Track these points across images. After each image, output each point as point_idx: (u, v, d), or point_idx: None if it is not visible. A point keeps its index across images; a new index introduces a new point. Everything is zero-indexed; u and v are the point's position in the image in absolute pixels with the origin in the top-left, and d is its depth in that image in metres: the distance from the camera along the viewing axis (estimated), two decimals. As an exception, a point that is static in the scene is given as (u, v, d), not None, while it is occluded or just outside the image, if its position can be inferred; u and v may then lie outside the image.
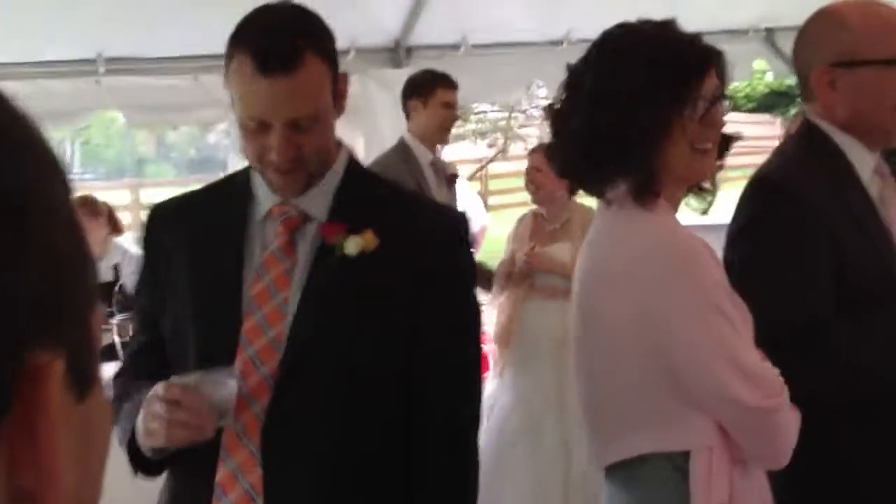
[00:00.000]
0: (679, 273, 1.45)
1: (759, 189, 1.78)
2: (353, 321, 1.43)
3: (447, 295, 1.47)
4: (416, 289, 1.44)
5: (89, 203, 4.38)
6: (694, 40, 1.53)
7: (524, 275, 3.86)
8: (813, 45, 1.82)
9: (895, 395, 1.72)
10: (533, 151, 4.08)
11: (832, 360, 1.68)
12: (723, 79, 1.55)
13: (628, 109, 1.45)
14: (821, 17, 1.82)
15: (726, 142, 1.60)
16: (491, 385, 4.06)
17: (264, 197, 1.49)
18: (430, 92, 3.73)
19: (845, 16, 1.77)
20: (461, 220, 1.58)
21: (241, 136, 1.42)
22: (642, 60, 1.47)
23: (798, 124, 1.90)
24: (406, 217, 1.51)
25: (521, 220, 4.15)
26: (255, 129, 1.39)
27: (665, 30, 1.53)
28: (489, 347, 4.17)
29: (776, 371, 1.47)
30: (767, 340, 1.51)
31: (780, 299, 1.62)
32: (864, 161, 1.79)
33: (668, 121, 1.46)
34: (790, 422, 1.48)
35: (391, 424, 1.46)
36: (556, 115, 1.60)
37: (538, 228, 3.99)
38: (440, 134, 3.80)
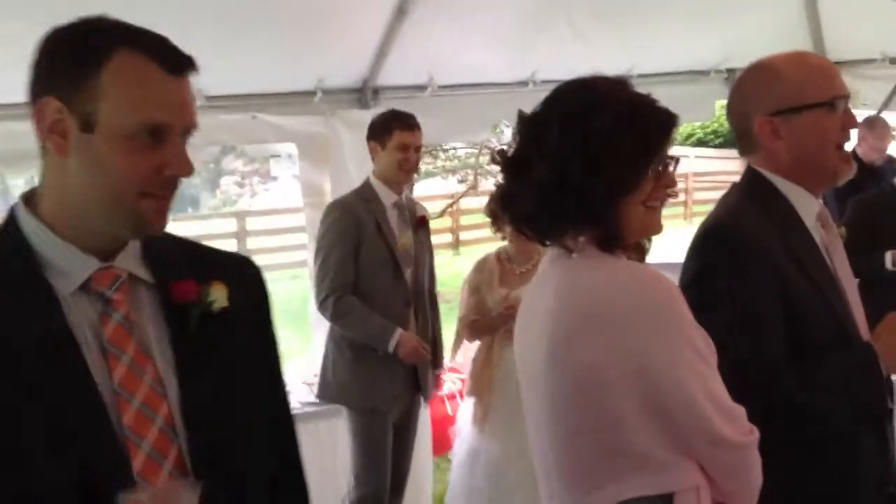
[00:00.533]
0: (658, 312, 1.46)
1: (709, 238, 1.82)
2: (236, 384, 1.30)
3: (273, 338, 1.43)
4: (259, 336, 1.38)
5: None
6: (654, 101, 1.57)
7: (503, 321, 3.82)
8: (750, 97, 1.89)
9: (842, 437, 1.75)
10: None
11: (784, 404, 1.71)
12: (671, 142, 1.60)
13: (598, 165, 1.48)
14: (754, 71, 1.90)
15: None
16: (470, 437, 4.00)
17: (69, 262, 1.21)
18: (387, 134, 3.74)
19: (778, 67, 1.86)
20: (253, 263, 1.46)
21: (120, 151, 1.16)
22: (612, 117, 1.49)
23: (745, 173, 1.95)
24: (218, 266, 1.36)
25: (482, 266, 4.07)
26: (146, 142, 1.17)
27: (625, 88, 1.57)
28: (464, 399, 4.14)
29: (743, 409, 1.50)
30: (726, 384, 1.53)
31: (735, 346, 1.65)
32: (809, 207, 1.86)
33: (636, 178, 1.50)
34: (759, 459, 1.52)
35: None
36: (513, 164, 1.60)
37: (506, 272, 3.97)
38: (399, 175, 3.78)
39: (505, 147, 1.63)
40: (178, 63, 1.20)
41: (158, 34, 1.23)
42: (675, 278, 1.71)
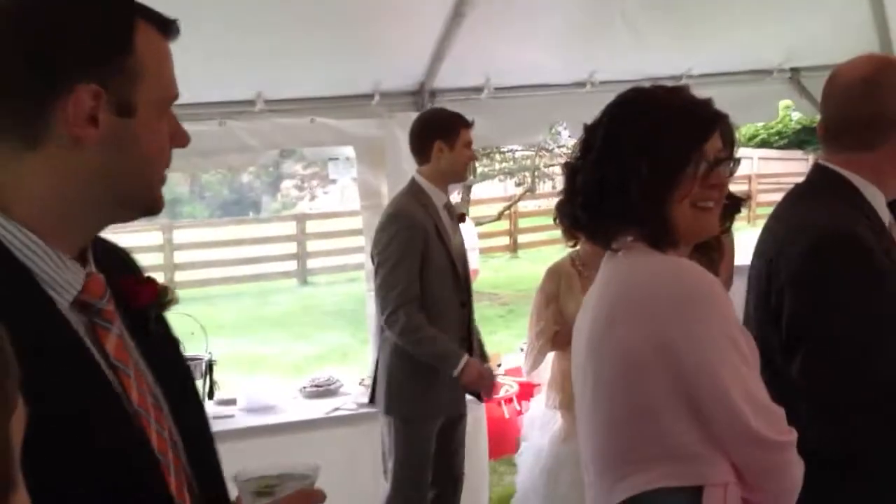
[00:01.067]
0: (698, 303, 1.47)
1: (829, 247, 1.78)
2: (189, 387, 1.23)
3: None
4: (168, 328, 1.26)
5: None
6: (702, 104, 1.59)
7: None
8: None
9: None
10: None
11: None
12: (731, 142, 1.60)
13: (630, 166, 1.53)
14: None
15: (736, 203, 1.68)
16: (544, 450, 3.92)
17: (60, 271, 1.05)
18: (454, 134, 3.74)
19: None
20: None
21: (154, 132, 1.09)
22: (648, 121, 1.55)
23: (816, 172, 1.92)
24: (122, 256, 1.24)
25: (556, 273, 3.93)
26: (163, 114, 1.11)
27: (675, 94, 1.61)
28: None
29: (783, 410, 1.49)
30: (850, 396, 1.56)
31: (868, 359, 1.65)
32: (885, 212, 1.85)
33: (670, 178, 1.53)
34: (798, 463, 1.49)
35: None
36: (568, 171, 1.69)
37: (585, 279, 3.75)
38: (465, 174, 3.86)
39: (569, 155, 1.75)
40: (172, 29, 1.11)
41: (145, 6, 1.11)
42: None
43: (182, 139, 1.13)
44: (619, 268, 1.62)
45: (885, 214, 1.86)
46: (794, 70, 5.21)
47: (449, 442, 3.86)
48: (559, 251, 5.21)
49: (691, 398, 1.45)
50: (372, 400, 3.93)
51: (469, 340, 3.82)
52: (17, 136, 1.02)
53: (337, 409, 4.29)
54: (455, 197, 4.01)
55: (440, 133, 3.74)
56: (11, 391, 0.39)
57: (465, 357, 3.64)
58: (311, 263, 15.65)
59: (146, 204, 1.12)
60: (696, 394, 1.44)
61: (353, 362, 8.60)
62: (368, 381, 4.38)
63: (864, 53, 2.00)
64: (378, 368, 3.86)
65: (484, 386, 3.72)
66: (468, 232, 7.75)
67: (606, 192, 1.56)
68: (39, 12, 1.01)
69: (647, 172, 1.52)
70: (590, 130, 1.64)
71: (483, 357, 4.01)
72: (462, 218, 3.96)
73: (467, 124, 3.77)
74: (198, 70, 4.12)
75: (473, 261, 7.81)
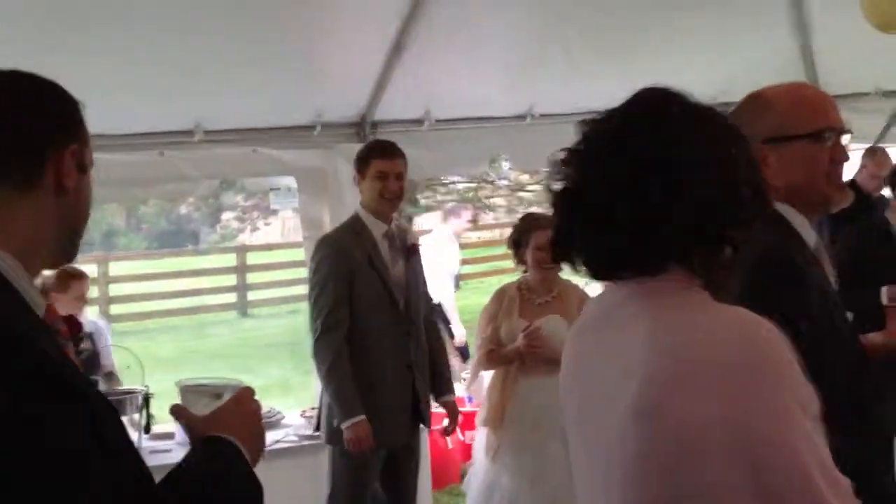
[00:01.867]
0: (771, 370, 1.27)
1: (768, 269, 1.75)
2: None
3: None
4: None
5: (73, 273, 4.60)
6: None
7: (520, 355, 3.81)
8: (743, 126, 1.91)
9: None
10: (539, 229, 3.88)
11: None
12: None
13: (695, 185, 1.32)
14: (748, 100, 1.93)
15: None
16: (483, 469, 3.95)
17: (36, 298, 1.30)
18: (365, 164, 3.74)
19: (770, 97, 1.90)
20: None
21: (89, 184, 1.37)
22: (703, 132, 1.35)
23: None
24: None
25: (501, 295, 4.04)
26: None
27: (696, 104, 1.41)
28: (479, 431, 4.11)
29: (848, 481, 1.32)
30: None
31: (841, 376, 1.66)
32: (809, 235, 1.87)
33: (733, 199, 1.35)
34: None
35: None
36: (570, 197, 1.40)
37: (525, 302, 3.95)
38: (381, 204, 3.75)
39: (551, 181, 1.44)
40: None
41: None
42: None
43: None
44: (667, 313, 1.34)
45: (810, 238, 1.88)
46: (726, 104, 5.31)
47: (395, 474, 3.85)
48: (500, 281, 5.26)
49: (768, 484, 1.25)
50: (318, 428, 3.91)
51: (410, 368, 3.80)
52: (13, 184, 1.28)
53: (277, 441, 4.23)
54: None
55: (356, 165, 3.79)
56: None
57: (361, 417, 3.60)
58: (252, 295, 15.47)
59: (73, 251, 1.36)
60: (775, 480, 1.25)
61: (295, 394, 8.50)
62: (310, 413, 4.35)
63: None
64: (322, 398, 3.84)
65: (359, 452, 3.62)
66: (450, 256, 7.76)
67: (654, 220, 1.31)
68: (16, 92, 1.32)
69: (714, 194, 1.31)
70: (600, 144, 1.38)
71: (449, 388, 4.03)
72: (413, 248, 3.93)
73: (381, 154, 3.74)
74: (136, 100, 4.10)
75: (449, 284, 7.90)
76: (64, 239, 1.33)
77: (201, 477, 1.28)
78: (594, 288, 4.63)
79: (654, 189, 1.30)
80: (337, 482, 3.76)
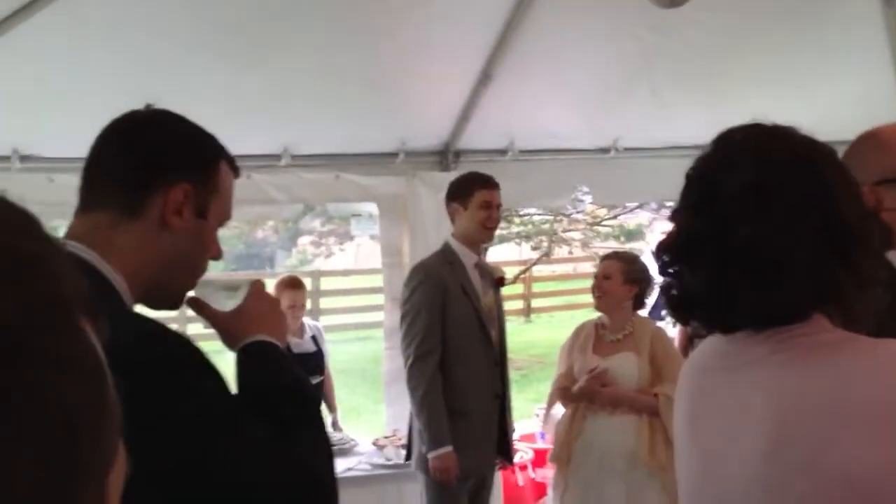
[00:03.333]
0: None
1: None
2: None
3: None
4: None
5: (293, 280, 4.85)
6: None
7: (586, 396, 3.76)
8: (855, 167, 1.84)
9: None
10: (604, 258, 4.01)
11: None
12: None
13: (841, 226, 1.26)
14: (862, 141, 1.87)
15: None
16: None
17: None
18: (468, 194, 3.75)
19: (882, 136, 1.84)
20: None
21: (212, 236, 1.41)
22: (832, 168, 1.29)
23: None
24: None
25: (579, 331, 4.01)
26: (218, 228, 1.44)
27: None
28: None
29: None
30: None
31: None
32: None
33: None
34: None
35: None
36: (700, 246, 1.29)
37: (599, 339, 3.90)
38: (483, 233, 3.80)
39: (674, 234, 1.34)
40: (237, 172, 1.46)
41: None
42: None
43: (218, 252, 1.43)
44: (809, 356, 1.24)
45: None
46: (819, 142, 5.22)
47: (476, 502, 3.83)
48: (572, 316, 5.18)
49: None
50: (408, 458, 3.90)
51: (503, 399, 3.81)
52: (120, 209, 1.33)
53: (350, 469, 4.22)
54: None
55: (455, 195, 3.80)
56: (110, 441, 0.36)
57: (448, 449, 3.59)
58: (325, 320, 15.63)
59: (176, 299, 1.41)
60: None
61: (366, 422, 8.51)
62: (383, 442, 4.33)
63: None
64: (411, 425, 3.83)
65: (445, 481, 3.60)
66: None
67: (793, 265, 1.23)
68: (154, 126, 1.39)
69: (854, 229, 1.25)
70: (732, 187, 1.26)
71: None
72: (501, 282, 3.95)
73: (485, 185, 3.76)
74: (227, 123, 4.18)
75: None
76: (161, 276, 1.34)
77: (285, 393, 1.36)
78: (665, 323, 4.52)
79: (814, 233, 1.22)
80: None
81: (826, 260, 1.22)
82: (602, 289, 3.81)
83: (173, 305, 1.41)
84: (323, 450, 1.34)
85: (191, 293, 1.44)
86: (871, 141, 1.84)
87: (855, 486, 1.16)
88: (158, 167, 1.35)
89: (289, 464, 1.24)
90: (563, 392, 3.90)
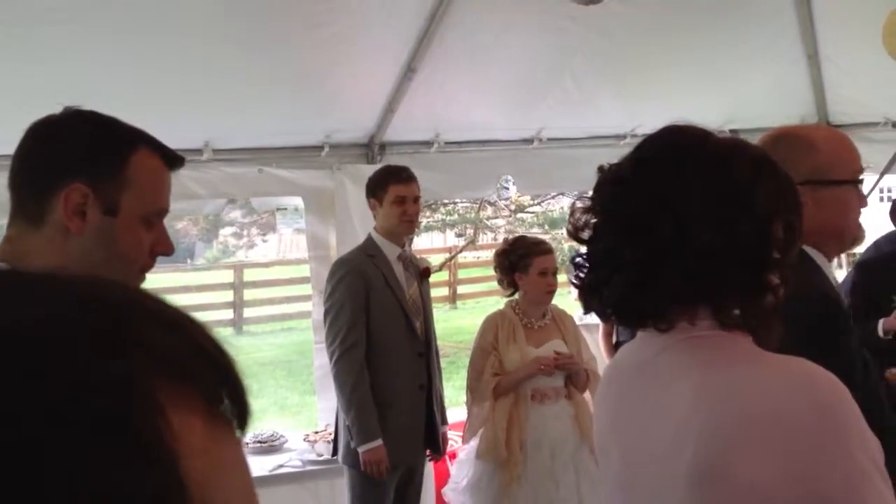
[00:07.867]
0: (841, 430, 1.17)
1: (821, 308, 1.75)
2: None
3: None
4: None
5: None
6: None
7: (529, 375, 3.79)
8: (782, 164, 1.89)
9: None
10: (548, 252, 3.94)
11: None
12: None
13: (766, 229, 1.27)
14: (787, 139, 1.91)
15: None
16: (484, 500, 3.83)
17: None
18: (382, 190, 3.75)
19: (814, 140, 1.89)
20: None
21: (132, 233, 1.33)
22: (748, 162, 1.30)
23: None
24: None
25: (500, 322, 3.93)
26: (148, 225, 1.37)
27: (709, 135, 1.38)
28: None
29: None
30: None
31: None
32: (831, 273, 1.89)
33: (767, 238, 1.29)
34: None
35: None
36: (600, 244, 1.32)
37: (527, 328, 3.89)
38: (400, 227, 3.78)
39: (577, 219, 1.36)
40: (175, 164, 1.40)
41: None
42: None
43: (166, 247, 1.37)
44: (718, 369, 1.24)
45: (833, 279, 1.89)
46: (734, 132, 5.36)
47: (404, 495, 3.84)
48: (497, 301, 5.21)
49: None
50: (335, 452, 3.88)
51: (429, 389, 3.82)
52: (25, 219, 1.30)
53: (281, 465, 4.18)
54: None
55: (372, 190, 3.81)
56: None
57: (378, 442, 3.60)
58: (248, 312, 15.42)
59: None
60: None
61: (295, 416, 8.44)
62: (313, 437, 4.30)
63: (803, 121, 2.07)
64: (338, 419, 3.82)
65: (377, 474, 3.62)
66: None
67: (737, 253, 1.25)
68: (53, 128, 1.33)
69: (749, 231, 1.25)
70: (627, 187, 1.30)
71: (442, 417, 3.96)
72: (426, 273, 3.94)
73: (398, 180, 3.75)
74: (144, 117, 4.07)
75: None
76: None
77: None
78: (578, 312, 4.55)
79: (664, 231, 1.23)
80: (358, 502, 3.74)
81: (665, 258, 1.23)
82: (553, 287, 3.88)
83: None
84: None
85: None
86: (797, 142, 1.89)
87: (749, 494, 1.16)
88: (49, 171, 1.30)
89: None
90: (498, 387, 3.78)
